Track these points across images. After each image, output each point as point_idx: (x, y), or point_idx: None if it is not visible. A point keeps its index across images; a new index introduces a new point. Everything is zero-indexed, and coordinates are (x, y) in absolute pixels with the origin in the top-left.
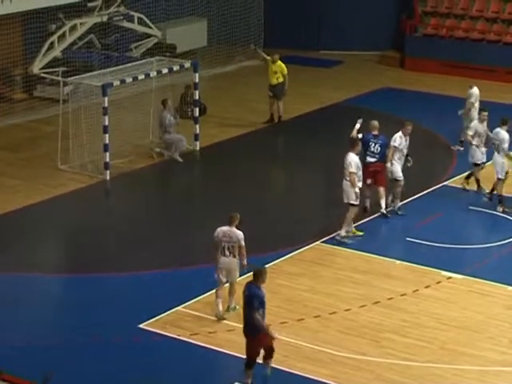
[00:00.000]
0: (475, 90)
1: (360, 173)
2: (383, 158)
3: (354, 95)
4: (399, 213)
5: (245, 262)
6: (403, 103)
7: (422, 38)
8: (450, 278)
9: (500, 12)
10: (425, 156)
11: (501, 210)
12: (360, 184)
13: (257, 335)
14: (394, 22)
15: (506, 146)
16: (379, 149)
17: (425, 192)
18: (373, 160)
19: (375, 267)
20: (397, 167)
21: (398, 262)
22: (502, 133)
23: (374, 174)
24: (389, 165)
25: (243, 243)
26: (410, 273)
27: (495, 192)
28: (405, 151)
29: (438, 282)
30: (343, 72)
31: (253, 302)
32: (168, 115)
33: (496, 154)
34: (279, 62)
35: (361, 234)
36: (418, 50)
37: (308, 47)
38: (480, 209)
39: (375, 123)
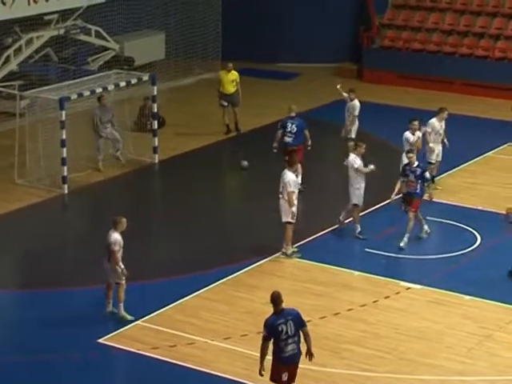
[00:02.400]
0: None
1: (297, 191)
2: (299, 139)
3: (312, 107)
4: (361, 237)
5: (116, 267)
6: (360, 115)
7: (379, 50)
8: (408, 288)
9: (455, 24)
10: (382, 167)
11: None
12: (296, 202)
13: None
14: (351, 34)
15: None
16: (295, 129)
17: (383, 203)
18: (290, 140)
19: (335, 279)
20: (354, 193)
21: (357, 273)
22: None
23: (291, 152)
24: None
25: (113, 248)
26: (370, 284)
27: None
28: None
29: (397, 293)
30: (301, 84)
31: (302, 317)
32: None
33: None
34: (233, 71)
35: (298, 255)
36: (375, 61)
37: (265, 60)
38: (438, 219)
39: (293, 107)
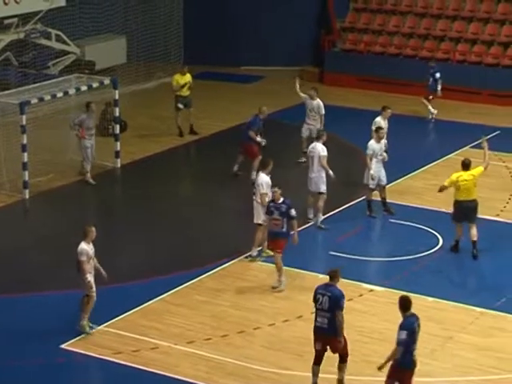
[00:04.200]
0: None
1: (270, 192)
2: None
3: (275, 110)
4: (322, 227)
5: (83, 278)
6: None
7: (340, 54)
8: (371, 290)
9: (416, 27)
10: (344, 169)
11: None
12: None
13: (336, 335)
14: (312, 38)
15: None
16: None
17: (346, 206)
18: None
19: (298, 281)
20: (322, 180)
21: (322, 276)
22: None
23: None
24: (313, 175)
25: (80, 258)
26: None
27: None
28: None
29: (360, 295)
30: (264, 87)
31: (341, 302)
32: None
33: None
34: (188, 74)
35: (271, 253)
36: (337, 65)
37: (228, 63)
38: (400, 221)
39: (264, 109)
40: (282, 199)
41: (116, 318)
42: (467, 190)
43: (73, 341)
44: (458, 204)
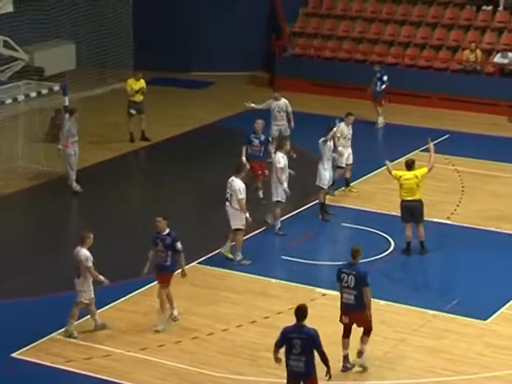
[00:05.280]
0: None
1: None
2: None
3: (226, 116)
4: (280, 233)
5: (97, 279)
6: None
7: (290, 58)
8: (324, 294)
9: (365, 32)
10: (296, 174)
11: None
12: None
13: (363, 310)
14: (263, 43)
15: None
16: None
17: (299, 210)
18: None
19: (251, 286)
20: (281, 189)
21: (274, 280)
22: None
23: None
24: (274, 185)
25: (86, 264)
26: (286, 291)
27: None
28: (287, 173)
29: (313, 299)
30: (214, 93)
31: (366, 280)
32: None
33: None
34: (142, 80)
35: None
36: (287, 69)
37: (179, 69)
38: (352, 225)
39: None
40: (167, 230)
41: (67, 326)
42: (410, 189)
43: (24, 349)
44: (402, 203)
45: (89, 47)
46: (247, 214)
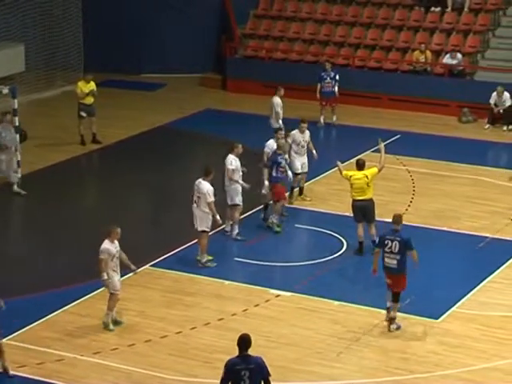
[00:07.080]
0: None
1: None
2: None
3: (177, 118)
4: (238, 238)
5: (100, 275)
6: (226, 124)
7: (242, 60)
8: (278, 295)
9: (316, 34)
10: (251, 176)
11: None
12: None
13: (403, 274)
14: (214, 45)
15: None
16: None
17: (252, 211)
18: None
19: (204, 288)
20: (236, 192)
21: (228, 282)
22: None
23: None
24: (228, 187)
25: (100, 256)
26: (240, 292)
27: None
28: (241, 172)
29: (267, 301)
30: (166, 95)
31: (411, 244)
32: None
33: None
34: (92, 82)
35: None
36: (239, 71)
37: (129, 71)
38: (305, 226)
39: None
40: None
41: (19, 331)
42: (360, 188)
43: None
44: (353, 203)
45: (38, 49)
46: (218, 217)
